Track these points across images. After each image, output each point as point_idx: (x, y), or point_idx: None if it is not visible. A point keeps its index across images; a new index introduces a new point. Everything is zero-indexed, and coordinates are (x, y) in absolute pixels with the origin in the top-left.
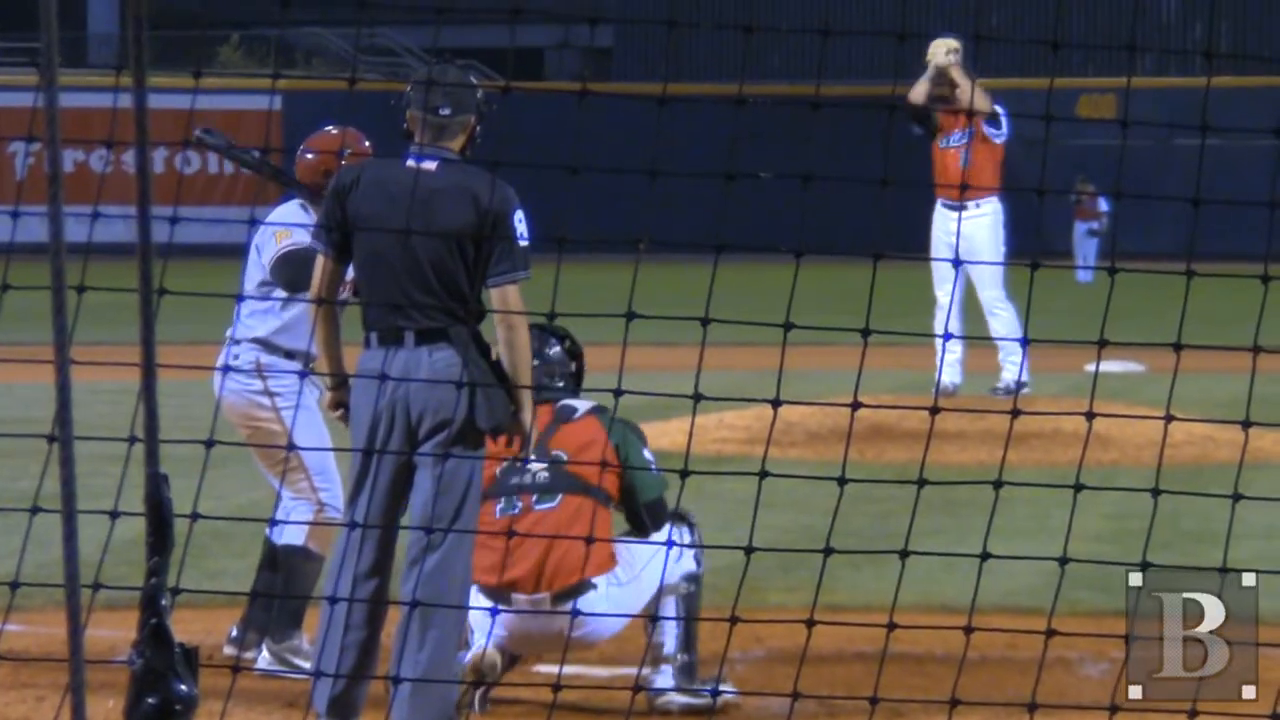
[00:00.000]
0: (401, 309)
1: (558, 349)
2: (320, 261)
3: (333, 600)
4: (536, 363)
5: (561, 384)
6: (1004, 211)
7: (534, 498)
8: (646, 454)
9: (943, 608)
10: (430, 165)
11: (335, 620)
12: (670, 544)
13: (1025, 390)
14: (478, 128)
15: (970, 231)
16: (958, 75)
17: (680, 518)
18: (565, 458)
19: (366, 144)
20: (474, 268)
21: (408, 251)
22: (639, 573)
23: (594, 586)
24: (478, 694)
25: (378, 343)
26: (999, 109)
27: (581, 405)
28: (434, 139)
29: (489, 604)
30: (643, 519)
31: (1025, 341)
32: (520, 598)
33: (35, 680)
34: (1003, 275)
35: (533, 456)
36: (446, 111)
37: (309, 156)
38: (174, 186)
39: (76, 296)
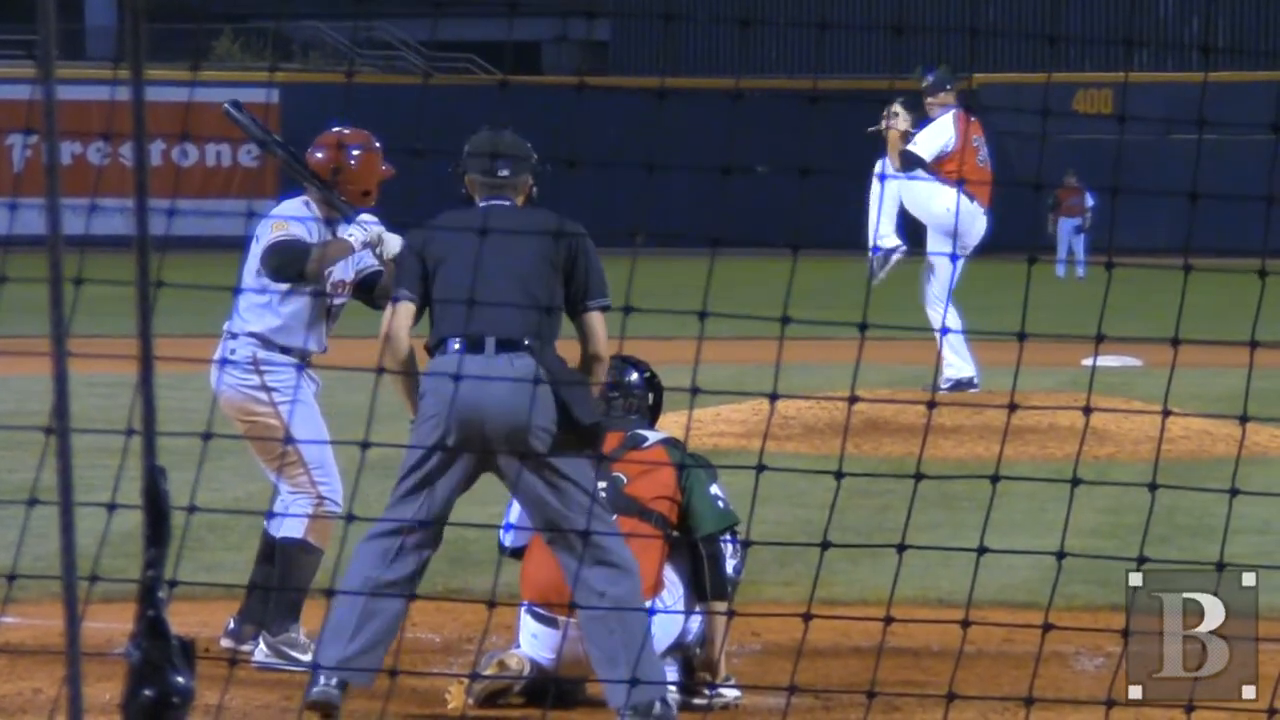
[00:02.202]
0: (483, 317)
1: (637, 377)
2: (404, 307)
3: (335, 592)
4: (613, 392)
5: (635, 415)
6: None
7: None
8: (713, 489)
9: (939, 602)
10: (504, 203)
11: (353, 598)
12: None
13: (942, 389)
14: (534, 189)
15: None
16: (891, 146)
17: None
18: (625, 480)
19: (377, 144)
20: (555, 289)
21: (494, 271)
22: (682, 593)
23: None
24: (475, 687)
25: (456, 349)
26: (918, 152)
27: (652, 435)
28: (496, 196)
29: (539, 626)
30: (699, 551)
31: (944, 333)
32: (565, 620)
33: (32, 672)
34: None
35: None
36: (505, 173)
37: (318, 155)
38: (171, 179)
39: (74, 289)
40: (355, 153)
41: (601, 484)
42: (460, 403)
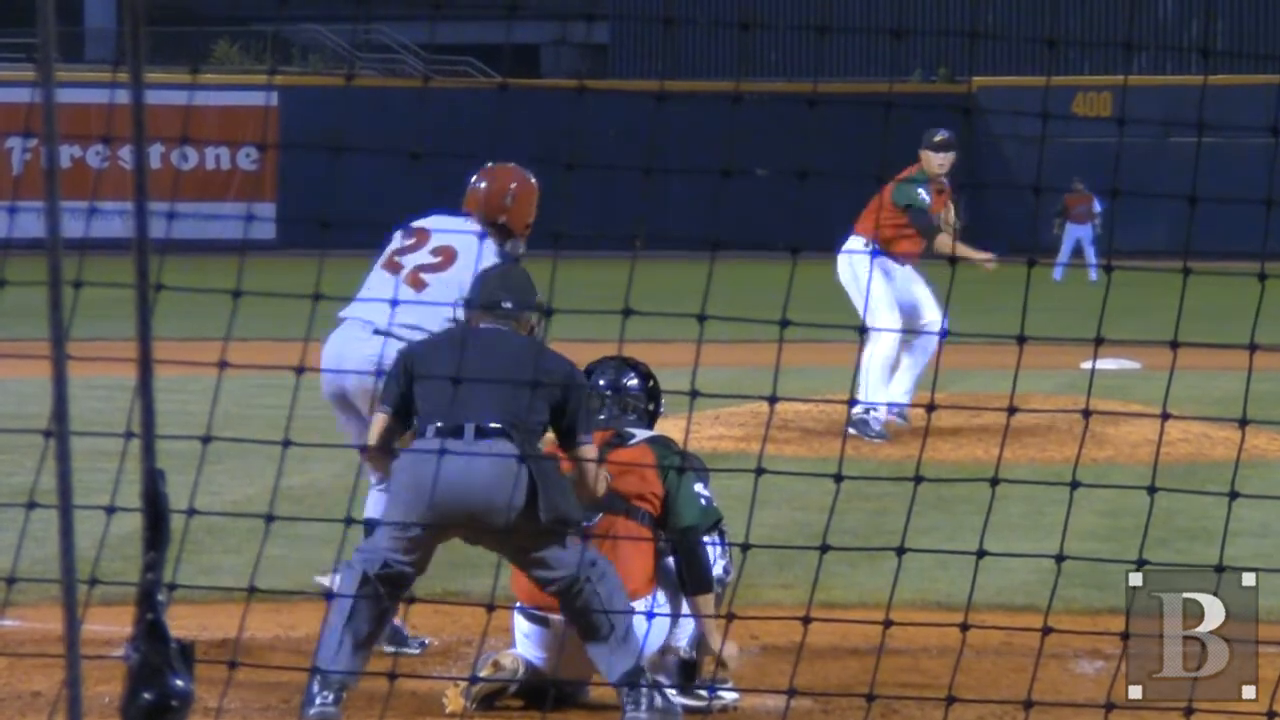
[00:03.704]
0: (464, 409)
1: (635, 382)
2: (381, 419)
3: (331, 596)
4: (610, 393)
5: (633, 415)
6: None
7: None
8: (698, 487)
9: (938, 605)
10: (495, 326)
11: (341, 611)
12: (713, 542)
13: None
14: (535, 328)
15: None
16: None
17: (713, 526)
18: (610, 478)
19: (533, 180)
20: (537, 410)
21: (477, 371)
22: (674, 592)
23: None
24: (472, 689)
25: (434, 434)
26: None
27: (640, 433)
28: (495, 323)
29: (530, 626)
30: (677, 545)
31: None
32: (557, 620)
33: (31, 675)
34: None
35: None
36: (509, 305)
37: (482, 185)
38: (170, 182)
39: (73, 292)
40: (513, 187)
41: None
42: (437, 486)
